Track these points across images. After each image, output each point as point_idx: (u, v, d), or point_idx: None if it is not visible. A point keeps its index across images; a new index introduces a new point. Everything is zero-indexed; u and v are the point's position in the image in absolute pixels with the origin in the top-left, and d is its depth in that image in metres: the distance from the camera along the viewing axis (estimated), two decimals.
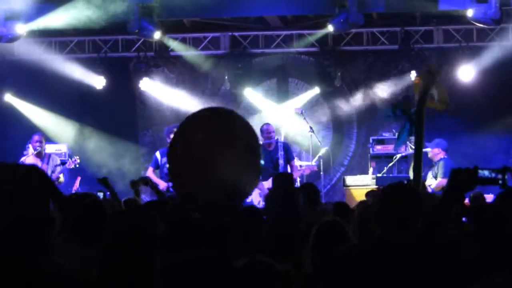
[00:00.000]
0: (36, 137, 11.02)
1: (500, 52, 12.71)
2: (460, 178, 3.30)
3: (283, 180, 5.63)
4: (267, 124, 11.27)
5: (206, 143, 3.79)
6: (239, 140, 3.90)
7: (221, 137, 3.84)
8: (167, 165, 3.95)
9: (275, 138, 11.18)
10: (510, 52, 12.70)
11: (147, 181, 8.02)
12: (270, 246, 4.21)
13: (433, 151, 10.95)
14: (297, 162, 11.61)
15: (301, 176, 11.72)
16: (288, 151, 11.05)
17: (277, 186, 5.51)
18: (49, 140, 12.40)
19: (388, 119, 11.74)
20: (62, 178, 10.83)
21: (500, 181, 3.30)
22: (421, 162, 3.67)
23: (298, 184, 10.74)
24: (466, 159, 11.15)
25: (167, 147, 10.69)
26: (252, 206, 6.69)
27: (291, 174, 9.50)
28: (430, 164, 11.08)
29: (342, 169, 13.93)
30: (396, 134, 12.21)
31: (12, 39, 12.30)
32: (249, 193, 4.21)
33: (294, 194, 5.09)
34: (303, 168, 11.58)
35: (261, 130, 10.97)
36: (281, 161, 10.90)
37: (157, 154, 10.96)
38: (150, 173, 10.86)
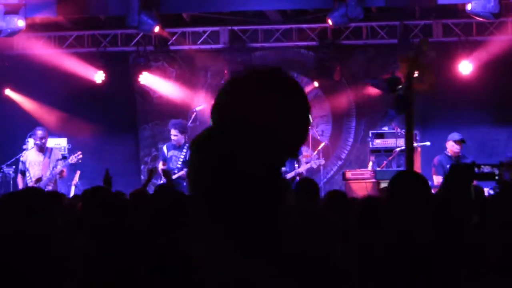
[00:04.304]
0: (39, 132, 11.04)
1: (500, 46, 12.72)
2: (458, 173, 3.32)
3: None
4: None
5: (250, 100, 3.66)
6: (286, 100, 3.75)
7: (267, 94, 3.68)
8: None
9: None
10: (509, 46, 12.70)
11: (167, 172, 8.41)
12: None
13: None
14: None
15: (308, 170, 11.72)
16: None
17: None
18: (49, 134, 12.42)
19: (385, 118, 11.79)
20: (65, 172, 10.85)
21: (496, 176, 3.32)
22: (412, 144, 3.69)
23: (297, 178, 10.77)
24: (465, 152, 11.16)
25: (174, 140, 11.00)
26: None
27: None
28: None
29: (340, 162, 13.95)
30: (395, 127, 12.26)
31: (12, 33, 12.30)
32: (293, 149, 4.00)
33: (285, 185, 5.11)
34: (311, 163, 11.57)
35: None
36: None
37: (164, 148, 11.27)
38: (161, 167, 11.04)
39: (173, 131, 11.02)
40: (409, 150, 3.63)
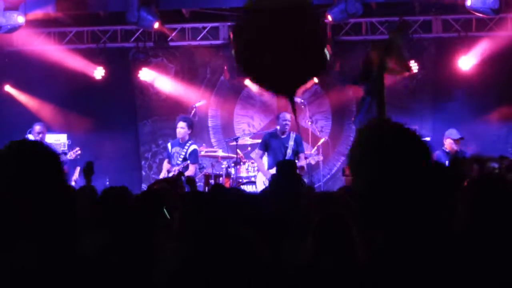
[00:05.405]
0: (37, 127, 11.04)
1: (499, 41, 12.73)
2: (459, 167, 3.33)
3: (286, 166, 5.71)
4: (284, 112, 11.39)
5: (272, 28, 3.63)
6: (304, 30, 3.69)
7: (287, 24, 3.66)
8: (233, 50, 3.85)
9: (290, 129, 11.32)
10: (509, 41, 12.71)
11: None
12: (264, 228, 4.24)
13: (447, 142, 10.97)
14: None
15: (307, 166, 11.75)
16: (299, 144, 11.21)
17: (280, 172, 5.59)
18: (48, 130, 12.43)
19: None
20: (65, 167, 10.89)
21: (496, 170, 3.34)
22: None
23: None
24: (463, 148, 11.17)
25: (180, 136, 10.98)
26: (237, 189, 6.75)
27: (293, 161, 9.66)
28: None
29: (342, 158, 13.95)
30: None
31: (11, 29, 12.30)
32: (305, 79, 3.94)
33: (296, 180, 5.13)
34: (309, 158, 11.60)
35: (278, 117, 11.28)
36: (289, 151, 11.04)
37: (168, 145, 11.33)
38: (166, 164, 11.06)
39: (181, 123, 11.02)
40: None
